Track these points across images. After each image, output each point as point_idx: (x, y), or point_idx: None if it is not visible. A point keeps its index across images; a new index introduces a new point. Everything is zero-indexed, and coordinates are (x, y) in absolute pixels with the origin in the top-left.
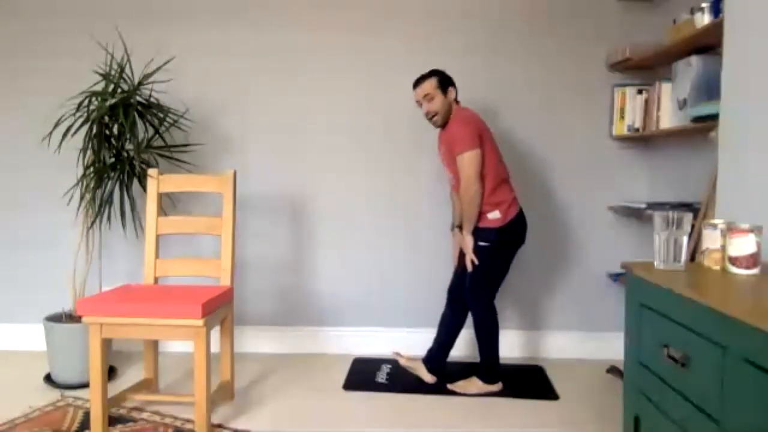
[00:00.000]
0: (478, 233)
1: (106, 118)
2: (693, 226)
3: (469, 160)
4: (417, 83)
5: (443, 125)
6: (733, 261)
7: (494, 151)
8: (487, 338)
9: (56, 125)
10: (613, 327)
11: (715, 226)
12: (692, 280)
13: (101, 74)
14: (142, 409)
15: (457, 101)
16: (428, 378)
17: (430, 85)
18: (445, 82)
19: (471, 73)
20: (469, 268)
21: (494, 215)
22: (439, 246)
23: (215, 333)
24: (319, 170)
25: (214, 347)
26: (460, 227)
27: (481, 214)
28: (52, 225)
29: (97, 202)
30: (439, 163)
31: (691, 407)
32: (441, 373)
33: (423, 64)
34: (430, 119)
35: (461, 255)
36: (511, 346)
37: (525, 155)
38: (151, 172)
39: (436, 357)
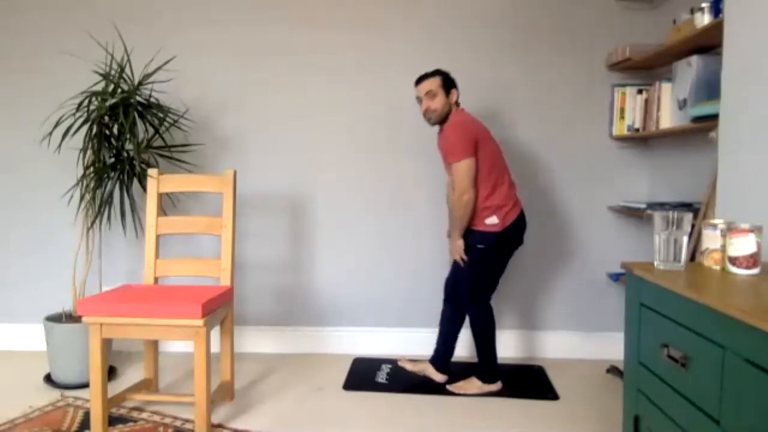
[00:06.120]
0: (476, 236)
1: (106, 118)
2: (693, 226)
3: (463, 169)
4: (421, 79)
5: (439, 123)
6: (733, 261)
7: (491, 156)
8: (485, 339)
9: (56, 125)
10: (613, 327)
11: (715, 226)
12: (692, 280)
13: (101, 74)
14: (142, 409)
15: (457, 104)
16: (439, 377)
17: (435, 82)
18: (448, 82)
19: (471, 73)
20: (462, 265)
21: (492, 221)
22: (438, 246)
23: (215, 333)
24: (319, 170)
25: (214, 347)
26: None
27: (477, 218)
28: (52, 225)
29: (97, 202)
30: (438, 163)
31: (691, 407)
32: (449, 370)
33: (422, 63)
34: (427, 117)
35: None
36: (510, 346)
37: (525, 155)
38: (151, 172)
39: (443, 356)
